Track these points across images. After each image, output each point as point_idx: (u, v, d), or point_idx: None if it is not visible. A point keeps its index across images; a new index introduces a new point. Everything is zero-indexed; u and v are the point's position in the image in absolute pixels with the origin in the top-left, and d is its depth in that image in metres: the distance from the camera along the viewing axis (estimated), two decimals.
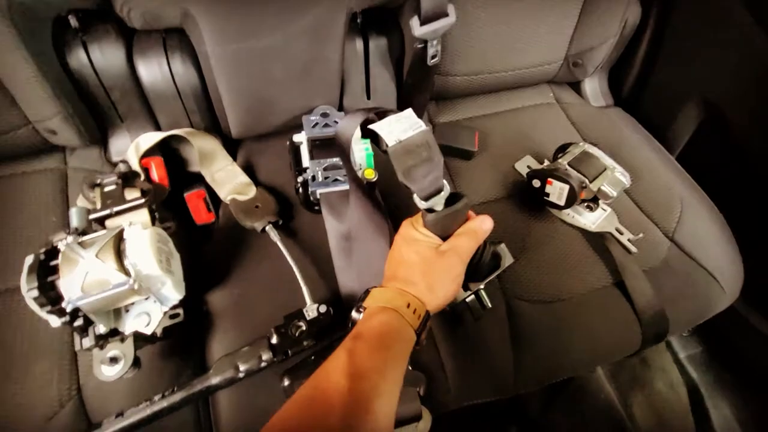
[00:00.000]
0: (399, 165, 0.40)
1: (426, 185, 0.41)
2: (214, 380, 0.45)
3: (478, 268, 0.48)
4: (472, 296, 0.52)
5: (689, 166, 0.78)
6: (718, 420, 0.91)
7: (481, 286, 0.52)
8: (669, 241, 0.67)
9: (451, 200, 0.43)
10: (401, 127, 0.41)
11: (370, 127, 0.42)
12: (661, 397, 0.96)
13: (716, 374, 0.95)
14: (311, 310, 0.49)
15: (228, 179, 0.64)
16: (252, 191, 0.63)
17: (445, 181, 0.42)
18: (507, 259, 0.55)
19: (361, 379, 0.32)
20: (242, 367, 0.45)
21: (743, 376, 0.91)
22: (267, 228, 0.58)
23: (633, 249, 0.63)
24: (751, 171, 0.75)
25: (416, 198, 0.42)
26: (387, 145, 0.41)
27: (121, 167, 0.55)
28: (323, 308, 0.49)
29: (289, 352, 0.47)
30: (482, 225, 0.44)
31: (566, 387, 0.90)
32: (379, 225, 0.53)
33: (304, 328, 0.47)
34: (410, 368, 0.47)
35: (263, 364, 0.46)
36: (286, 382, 0.44)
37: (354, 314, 0.40)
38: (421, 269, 0.41)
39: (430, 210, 0.43)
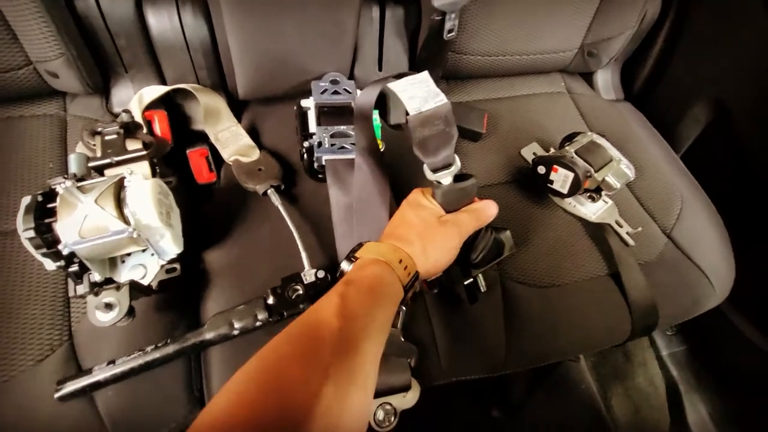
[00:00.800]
0: (415, 135, 0.40)
1: (438, 158, 0.41)
2: (208, 335, 0.45)
3: (481, 254, 0.48)
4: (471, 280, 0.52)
5: (693, 166, 0.78)
6: (692, 417, 0.94)
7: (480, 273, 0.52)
8: (666, 237, 0.68)
9: (458, 179, 0.43)
10: (421, 95, 0.40)
11: (390, 85, 0.42)
12: (639, 391, 0.99)
13: (696, 373, 0.97)
14: (309, 275, 0.49)
15: (232, 140, 0.63)
16: (255, 154, 0.62)
17: (456, 157, 0.42)
18: (509, 248, 0.55)
19: (351, 320, 0.32)
20: (237, 325, 0.45)
21: (722, 376, 0.94)
22: (269, 191, 0.57)
23: (631, 242, 0.64)
24: (753, 176, 0.76)
25: (426, 169, 0.42)
26: (407, 113, 0.40)
27: (124, 117, 0.54)
28: (321, 273, 0.49)
29: (285, 313, 0.47)
30: (487, 208, 0.45)
31: (550, 374, 0.92)
32: (383, 196, 0.53)
33: (300, 291, 0.47)
34: (403, 339, 0.47)
35: (258, 323, 0.46)
36: None
37: (344, 264, 0.40)
38: (419, 231, 0.42)
39: (437, 183, 0.43)
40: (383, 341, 0.35)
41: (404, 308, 0.47)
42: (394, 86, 0.42)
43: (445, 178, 0.43)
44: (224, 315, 0.46)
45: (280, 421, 0.25)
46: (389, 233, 0.43)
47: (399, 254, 0.39)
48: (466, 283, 0.51)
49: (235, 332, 0.46)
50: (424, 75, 0.42)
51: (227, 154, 0.62)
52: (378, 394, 0.46)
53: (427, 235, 0.42)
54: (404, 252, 0.40)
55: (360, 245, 0.41)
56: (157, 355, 0.44)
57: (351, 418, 0.28)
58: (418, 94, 0.41)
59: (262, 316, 0.46)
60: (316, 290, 0.48)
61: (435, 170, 0.42)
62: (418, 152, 0.41)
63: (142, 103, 0.60)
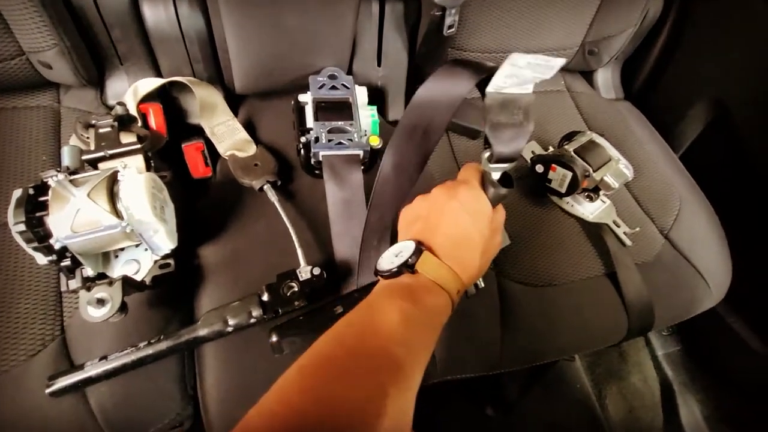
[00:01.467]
0: (490, 116, 0.36)
1: (507, 149, 0.37)
2: (202, 332, 0.45)
3: None
4: None
5: (691, 167, 0.78)
6: (686, 417, 0.94)
7: None
8: (663, 238, 0.68)
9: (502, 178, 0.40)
10: (523, 77, 0.35)
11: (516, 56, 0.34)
12: (634, 391, 0.99)
13: (690, 374, 0.98)
14: (304, 272, 0.48)
15: (228, 134, 0.62)
16: (252, 149, 0.61)
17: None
18: (505, 241, 0.55)
19: (414, 354, 0.30)
20: (231, 321, 0.45)
21: (716, 377, 0.94)
22: (265, 187, 0.56)
23: (628, 242, 0.64)
24: (752, 177, 0.75)
25: (486, 155, 0.39)
26: (485, 86, 0.36)
27: (119, 109, 0.53)
28: (317, 270, 0.48)
29: (280, 310, 0.46)
30: (503, 218, 0.43)
31: (545, 374, 0.92)
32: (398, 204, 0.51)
33: (296, 288, 0.47)
34: None
35: (252, 320, 0.45)
36: (274, 338, 0.44)
37: (388, 264, 0.36)
38: (481, 250, 0.37)
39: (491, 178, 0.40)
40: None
41: None
42: (518, 58, 0.34)
43: (497, 172, 0.39)
44: (218, 311, 0.46)
45: None
46: (451, 246, 0.36)
47: (459, 284, 0.36)
48: None
49: (229, 329, 0.45)
50: (558, 62, 0.34)
51: (223, 149, 0.61)
52: None
53: (486, 255, 0.38)
54: (462, 282, 0.36)
55: (419, 250, 0.35)
56: (149, 351, 0.44)
57: None
58: (521, 75, 0.35)
59: (256, 312, 0.45)
60: (312, 287, 0.47)
61: (497, 161, 0.38)
62: (489, 135, 0.37)
63: (137, 95, 0.60)
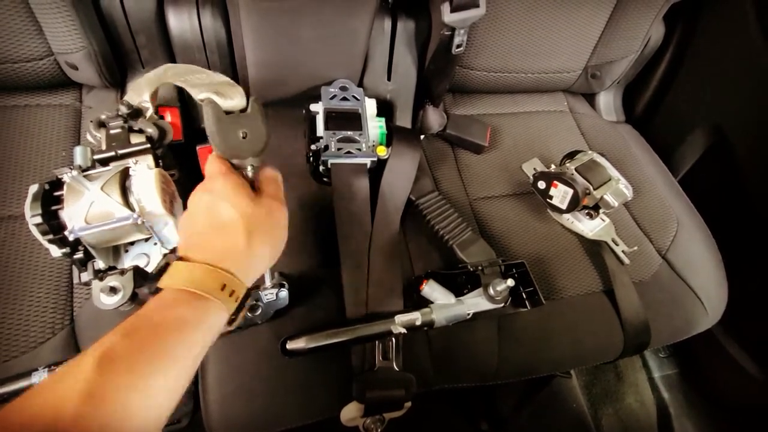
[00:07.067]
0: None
1: None
2: None
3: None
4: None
5: (690, 190, 0.80)
6: None
7: None
8: (661, 258, 0.69)
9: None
10: None
11: None
12: (630, 412, 0.98)
13: (686, 396, 0.98)
14: (269, 293, 0.48)
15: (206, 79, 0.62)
16: (238, 98, 0.58)
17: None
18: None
19: (103, 403, 0.24)
20: None
21: (712, 400, 0.94)
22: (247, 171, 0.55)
23: (626, 260, 0.65)
24: (749, 202, 0.77)
25: None
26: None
27: (122, 109, 0.55)
28: (283, 293, 0.48)
29: (241, 327, 0.46)
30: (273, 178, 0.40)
31: (541, 390, 0.92)
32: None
33: (260, 310, 0.47)
34: (397, 369, 0.49)
35: None
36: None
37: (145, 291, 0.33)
38: (245, 227, 0.33)
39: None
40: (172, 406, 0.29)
41: (394, 340, 0.49)
42: None
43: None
44: None
45: None
46: (205, 244, 0.33)
47: (221, 278, 0.31)
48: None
49: None
50: None
51: (197, 92, 0.60)
52: (373, 411, 0.47)
53: (255, 232, 0.34)
54: (226, 274, 0.32)
55: (167, 265, 0.32)
56: None
57: None
58: None
59: None
60: (275, 308, 0.48)
61: None
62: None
63: (142, 88, 0.60)
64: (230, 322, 0.31)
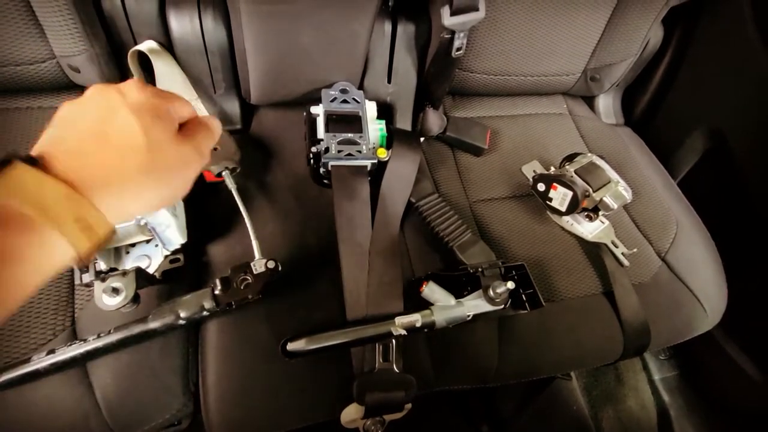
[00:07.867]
0: None
1: None
2: (153, 324, 0.44)
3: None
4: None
5: (689, 193, 0.80)
6: None
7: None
8: (660, 260, 0.69)
9: None
10: None
11: None
12: (630, 415, 0.98)
13: (687, 399, 0.98)
14: (259, 264, 0.47)
15: None
16: None
17: None
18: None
19: None
20: (183, 314, 0.45)
21: (713, 402, 0.94)
22: (224, 173, 0.55)
23: (626, 262, 0.65)
24: (748, 205, 0.77)
25: None
26: None
27: None
28: (271, 264, 0.47)
29: (233, 303, 0.46)
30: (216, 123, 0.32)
31: (541, 393, 0.92)
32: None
33: (249, 280, 0.46)
34: (396, 371, 0.49)
35: (205, 313, 0.45)
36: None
37: None
38: (144, 159, 0.25)
39: None
40: None
41: (394, 341, 0.49)
42: None
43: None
44: (170, 305, 0.45)
45: None
46: (69, 151, 0.25)
47: (78, 209, 0.23)
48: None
49: (181, 321, 0.45)
50: None
51: None
52: (373, 412, 0.47)
53: (153, 171, 0.26)
54: (88, 206, 0.24)
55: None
56: (99, 344, 0.43)
57: None
58: None
59: (208, 305, 0.45)
60: (265, 280, 0.47)
61: None
62: None
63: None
64: (80, 260, 0.24)
